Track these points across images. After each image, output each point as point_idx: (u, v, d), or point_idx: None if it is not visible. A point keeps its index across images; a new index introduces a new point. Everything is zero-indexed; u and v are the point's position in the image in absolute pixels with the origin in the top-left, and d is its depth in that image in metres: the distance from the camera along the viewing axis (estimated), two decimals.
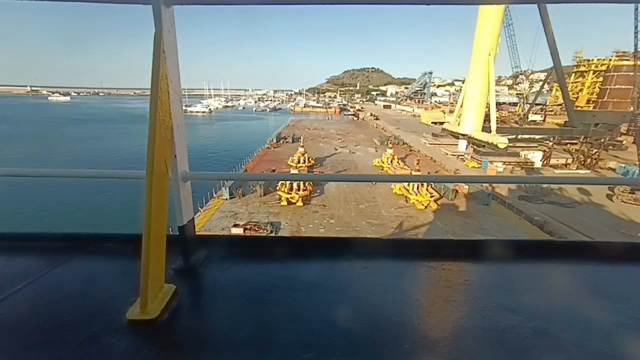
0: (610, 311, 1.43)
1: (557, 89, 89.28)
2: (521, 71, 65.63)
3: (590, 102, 65.60)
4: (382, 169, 36.68)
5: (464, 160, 44.20)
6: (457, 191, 28.01)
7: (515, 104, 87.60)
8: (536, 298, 1.52)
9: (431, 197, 25.82)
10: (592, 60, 68.28)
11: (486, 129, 44.50)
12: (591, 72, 67.38)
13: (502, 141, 40.23)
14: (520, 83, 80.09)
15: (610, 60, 63.15)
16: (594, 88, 67.08)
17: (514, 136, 44.07)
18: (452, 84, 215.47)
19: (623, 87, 54.65)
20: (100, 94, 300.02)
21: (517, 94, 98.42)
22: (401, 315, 1.38)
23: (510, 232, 22.13)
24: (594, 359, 1.18)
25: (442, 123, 67.26)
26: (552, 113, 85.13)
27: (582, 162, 43.99)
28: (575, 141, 46.39)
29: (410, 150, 48.88)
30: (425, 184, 25.50)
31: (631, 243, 1.93)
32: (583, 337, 1.27)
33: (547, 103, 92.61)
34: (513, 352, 1.19)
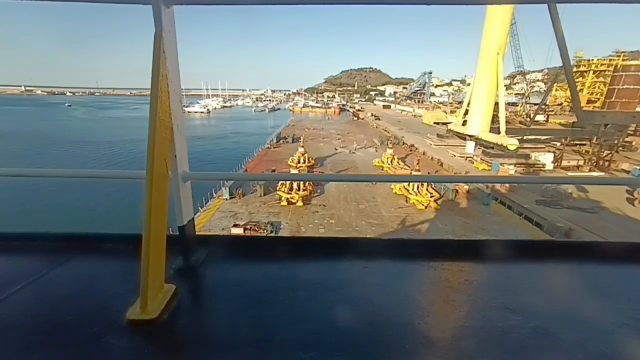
0: (610, 311, 1.43)
1: (556, 89, 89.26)
2: (522, 70, 65.51)
3: (590, 102, 65.49)
4: (382, 169, 36.58)
5: (473, 162, 42.54)
6: (457, 191, 28.00)
7: (514, 104, 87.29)
8: (536, 298, 1.52)
9: (431, 197, 25.82)
10: (592, 60, 68.13)
11: (493, 129, 43.14)
12: (591, 72, 67.26)
13: (512, 142, 38.68)
14: (518, 83, 79.89)
15: (610, 59, 63.05)
16: (594, 88, 66.96)
17: (520, 137, 42.62)
18: (449, 84, 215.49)
19: (631, 87, 54.12)
20: (96, 93, 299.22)
21: (515, 94, 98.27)
22: (401, 315, 1.38)
23: (510, 232, 22.12)
24: (594, 359, 1.17)
25: (444, 123, 66.19)
26: (553, 113, 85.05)
27: (595, 164, 42.40)
28: (583, 142, 44.98)
29: (411, 150, 48.63)
30: (425, 184, 25.51)
31: (631, 243, 1.92)
32: (583, 337, 1.27)
33: (547, 103, 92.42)
34: (513, 352, 1.19)
